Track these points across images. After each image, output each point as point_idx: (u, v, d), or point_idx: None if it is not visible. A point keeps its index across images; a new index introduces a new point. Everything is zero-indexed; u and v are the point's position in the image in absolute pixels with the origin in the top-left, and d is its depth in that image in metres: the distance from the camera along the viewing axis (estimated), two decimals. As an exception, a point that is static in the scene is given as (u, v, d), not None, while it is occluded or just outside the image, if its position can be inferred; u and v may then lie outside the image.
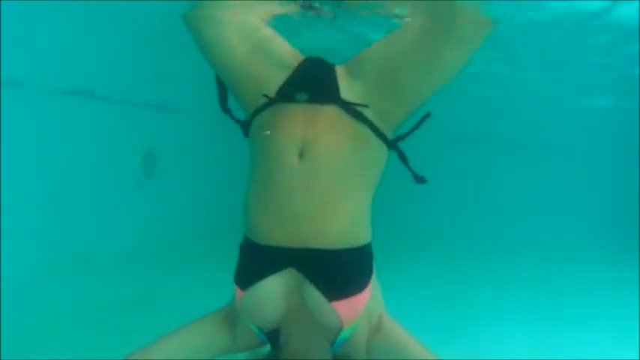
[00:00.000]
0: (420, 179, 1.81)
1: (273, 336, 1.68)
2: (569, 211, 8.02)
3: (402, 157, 1.78)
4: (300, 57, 1.79)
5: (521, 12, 3.88)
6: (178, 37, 2.51)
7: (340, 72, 1.72)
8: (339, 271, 1.56)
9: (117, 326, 2.90)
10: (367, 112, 1.63)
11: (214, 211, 6.41)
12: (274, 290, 1.57)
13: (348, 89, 1.65)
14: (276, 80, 1.69)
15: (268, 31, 1.82)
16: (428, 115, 1.75)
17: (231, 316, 1.76)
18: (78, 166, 4.22)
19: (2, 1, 3.27)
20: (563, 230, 7.46)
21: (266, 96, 1.67)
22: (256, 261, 1.62)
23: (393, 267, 4.44)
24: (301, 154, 1.55)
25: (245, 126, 1.82)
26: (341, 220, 1.56)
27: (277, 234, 1.56)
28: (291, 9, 2.88)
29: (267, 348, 1.80)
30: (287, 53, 1.78)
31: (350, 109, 1.61)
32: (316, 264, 1.55)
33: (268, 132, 1.63)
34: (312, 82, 1.65)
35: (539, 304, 3.86)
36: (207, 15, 1.79)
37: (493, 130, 8.33)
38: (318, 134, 1.56)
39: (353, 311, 1.57)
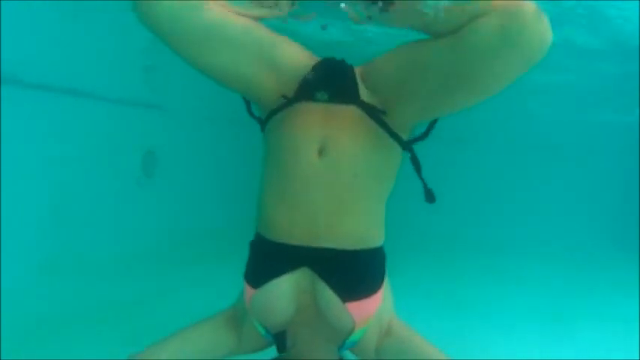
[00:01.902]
0: (430, 194, 1.71)
1: (279, 338, 1.65)
2: (569, 211, 8.02)
3: (415, 161, 1.71)
4: (315, 58, 1.72)
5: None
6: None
7: (359, 73, 1.66)
8: (354, 271, 1.55)
9: (117, 326, 2.90)
10: (384, 115, 1.60)
11: (215, 211, 6.41)
12: (286, 290, 1.55)
13: (366, 92, 1.61)
14: (293, 84, 1.64)
15: (279, 42, 1.66)
16: (436, 120, 1.68)
17: (236, 317, 1.73)
18: (78, 165, 4.21)
19: (2, 1, 3.27)
20: (564, 231, 7.45)
21: (284, 97, 1.63)
22: (269, 259, 1.59)
23: (392, 268, 4.44)
24: (321, 151, 1.53)
25: (261, 123, 1.77)
26: (358, 219, 1.55)
27: (292, 231, 1.54)
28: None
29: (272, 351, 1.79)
30: (303, 60, 1.68)
31: (369, 110, 1.58)
32: (330, 264, 1.53)
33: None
34: (333, 82, 1.61)
35: (539, 305, 3.86)
36: (206, 47, 1.55)
37: (494, 131, 8.33)
38: (338, 132, 1.54)
39: (366, 313, 1.56)
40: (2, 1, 3.27)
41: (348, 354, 1.80)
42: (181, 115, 5.81)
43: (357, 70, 1.69)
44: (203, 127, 6.25)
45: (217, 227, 6.15)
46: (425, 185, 1.72)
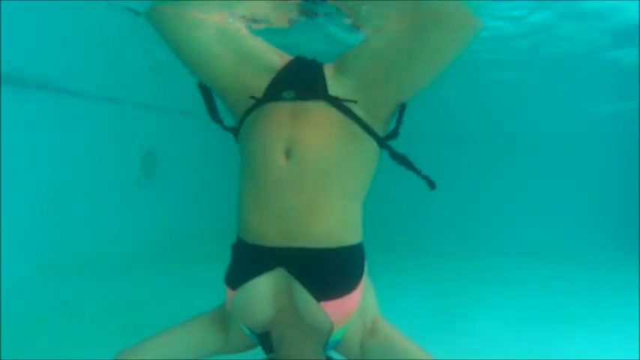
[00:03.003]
0: (430, 182, 1.76)
1: (264, 338, 1.65)
2: (569, 211, 8.02)
3: (397, 156, 1.74)
4: (287, 57, 1.75)
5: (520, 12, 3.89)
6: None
7: (328, 70, 1.68)
8: (328, 270, 1.54)
9: (117, 326, 2.90)
10: (356, 109, 1.60)
11: (214, 212, 6.40)
12: (264, 290, 1.56)
13: (336, 86, 1.62)
14: (263, 82, 1.66)
15: (250, 37, 1.78)
16: (404, 107, 1.69)
17: (223, 317, 1.74)
18: (78, 165, 4.22)
19: (2, 1, 3.27)
20: (563, 230, 7.45)
21: (253, 97, 1.65)
22: (246, 261, 1.61)
23: (392, 267, 4.45)
24: (287, 153, 1.54)
25: (235, 131, 1.79)
26: (329, 217, 1.54)
27: (267, 233, 1.55)
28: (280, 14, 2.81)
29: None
30: (273, 56, 1.73)
31: (338, 104, 1.57)
32: (304, 263, 1.53)
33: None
34: (299, 80, 1.62)
35: (539, 305, 3.86)
36: (185, 27, 1.72)
37: (493, 130, 8.34)
38: (304, 131, 1.54)
39: (343, 311, 1.55)
40: (2, 1, 3.27)
41: (335, 355, 1.79)
42: (181, 115, 5.81)
43: (331, 66, 1.70)
44: (203, 128, 6.25)
45: (216, 227, 6.14)
46: (419, 173, 1.74)
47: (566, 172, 8.28)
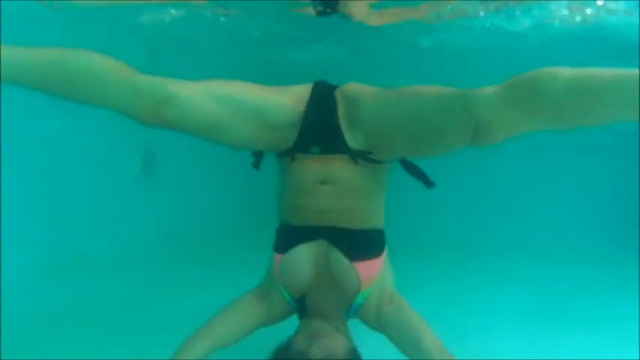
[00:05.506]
0: (429, 183, 2.12)
1: (300, 302, 2.00)
2: (568, 211, 8.02)
3: (408, 167, 2.10)
4: (303, 99, 1.89)
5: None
6: (178, 38, 2.52)
7: (342, 122, 1.89)
8: (358, 240, 1.99)
9: (117, 326, 2.90)
10: (372, 155, 1.93)
11: (214, 211, 6.41)
12: (307, 254, 1.97)
13: (352, 140, 1.92)
14: (289, 136, 1.91)
15: (251, 95, 1.83)
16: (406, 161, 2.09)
17: (265, 292, 2.07)
18: (78, 165, 4.22)
19: (2, 1, 3.27)
20: (563, 230, 7.45)
21: (282, 153, 1.97)
22: (293, 234, 2.02)
23: (392, 267, 4.44)
24: (323, 182, 1.94)
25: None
26: (360, 211, 1.99)
27: (309, 220, 1.97)
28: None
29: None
30: (291, 110, 1.88)
31: (358, 154, 1.92)
32: (341, 235, 1.97)
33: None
34: (322, 137, 1.91)
35: (539, 304, 3.86)
36: (185, 118, 1.94)
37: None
38: (334, 169, 1.93)
39: (369, 272, 1.97)
40: (2, 1, 3.27)
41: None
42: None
43: (343, 118, 1.89)
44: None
45: (217, 227, 6.16)
46: (427, 183, 2.11)
47: (566, 171, 8.28)
